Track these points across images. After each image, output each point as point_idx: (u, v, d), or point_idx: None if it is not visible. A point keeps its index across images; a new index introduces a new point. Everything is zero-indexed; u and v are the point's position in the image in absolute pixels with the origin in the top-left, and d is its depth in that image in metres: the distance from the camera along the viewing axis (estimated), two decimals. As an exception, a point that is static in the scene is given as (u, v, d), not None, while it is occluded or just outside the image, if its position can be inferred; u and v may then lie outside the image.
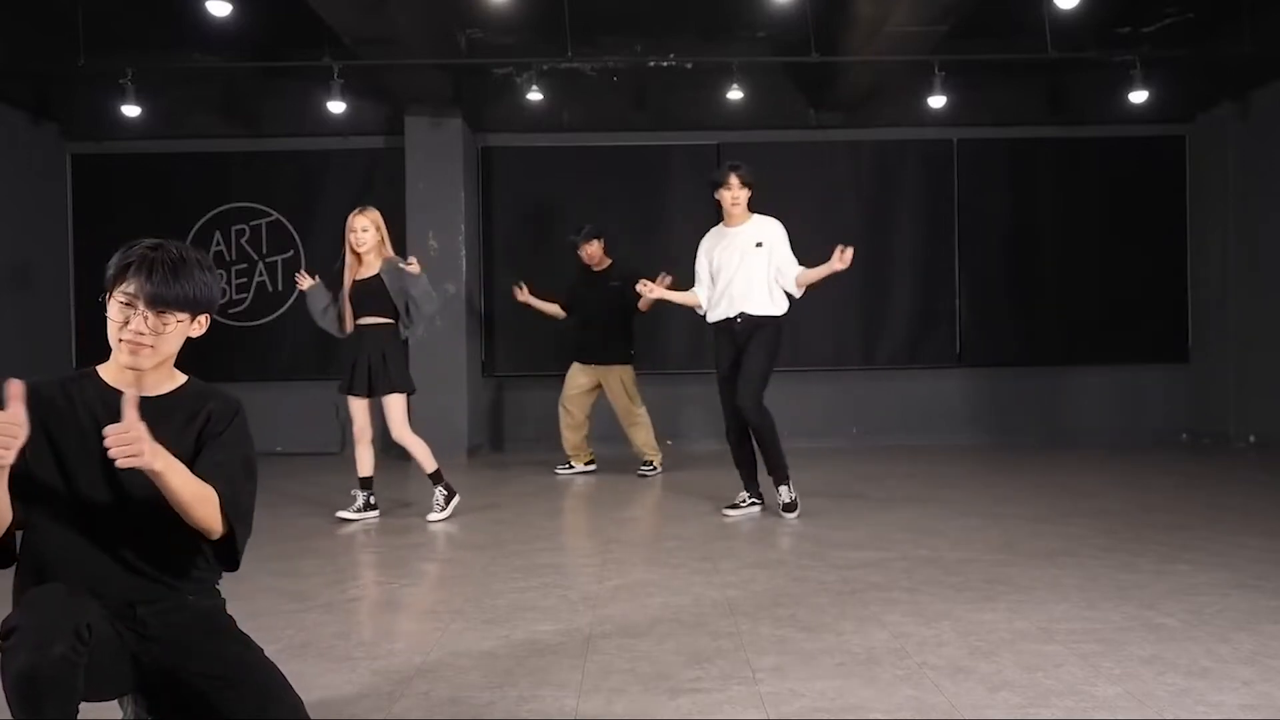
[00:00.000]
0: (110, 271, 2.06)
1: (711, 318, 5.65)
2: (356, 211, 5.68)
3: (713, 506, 5.89)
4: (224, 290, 9.13)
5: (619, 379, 7.39)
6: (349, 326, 5.64)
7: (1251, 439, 8.64)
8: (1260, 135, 8.53)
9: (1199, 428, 9.22)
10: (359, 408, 5.67)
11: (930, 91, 8.02)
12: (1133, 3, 8.26)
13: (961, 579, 4.04)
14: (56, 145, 9.05)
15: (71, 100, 8.92)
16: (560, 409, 7.55)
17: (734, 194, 5.59)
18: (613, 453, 8.00)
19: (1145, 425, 9.27)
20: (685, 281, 5.95)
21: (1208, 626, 3.32)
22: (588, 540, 5.21)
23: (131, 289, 2.03)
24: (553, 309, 7.69)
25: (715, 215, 9.07)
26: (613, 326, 7.38)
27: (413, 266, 5.55)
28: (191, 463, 2.10)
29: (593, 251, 7.41)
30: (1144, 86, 8.09)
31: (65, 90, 8.85)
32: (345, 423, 8.88)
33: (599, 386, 7.46)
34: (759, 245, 5.53)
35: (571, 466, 7.58)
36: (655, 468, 7.37)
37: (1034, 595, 3.76)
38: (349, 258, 5.65)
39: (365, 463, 5.72)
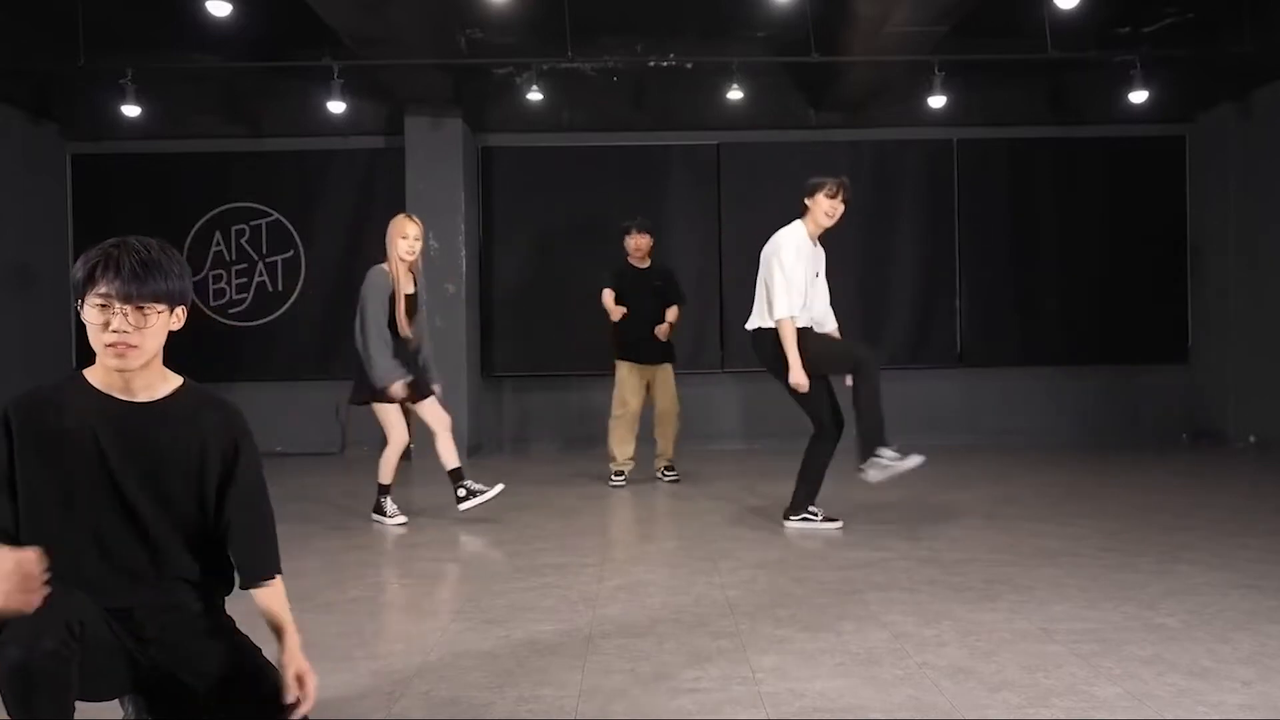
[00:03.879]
0: (78, 276, 2.01)
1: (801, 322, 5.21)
2: (406, 217, 5.42)
3: (714, 507, 5.89)
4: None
5: (669, 376, 7.17)
6: (405, 332, 5.42)
7: (1251, 439, 8.63)
8: (1260, 136, 8.52)
9: (1199, 428, 9.22)
10: (397, 413, 5.53)
11: (930, 91, 8.02)
12: (1133, 3, 8.26)
13: (961, 579, 4.04)
14: (56, 145, 9.05)
15: (71, 100, 8.92)
16: (617, 416, 7.06)
17: (837, 206, 5.18)
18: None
19: (1145, 425, 9.27)
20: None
21: (1208, 626, 3.32)
22: (588, 540, 5.21)
23: (104, 289, 1.99)
24: (611, 301, 7.11)
25: (714, 215, 9.20)
26: (659, 325, 7.09)
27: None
28: (199, 473, 2.13)
29: (641, 244, 7.12)
30: (1144, 86, 8.08)
31: (65, 90, 8.85)
32: (345, 423, 8.89)
33: (648, 387, 7.17)
34: (817, 275, 5.32)
35: (625, 477, 7.11)
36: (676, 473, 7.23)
37: (1034, 595, 3.76)
38: (400, 266, 5.35)
39: (393, 469, 5.60)
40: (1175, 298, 9.34)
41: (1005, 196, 9.28)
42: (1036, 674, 2.89)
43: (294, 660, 2.10)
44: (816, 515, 5.24)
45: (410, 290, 5.45)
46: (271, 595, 2.21)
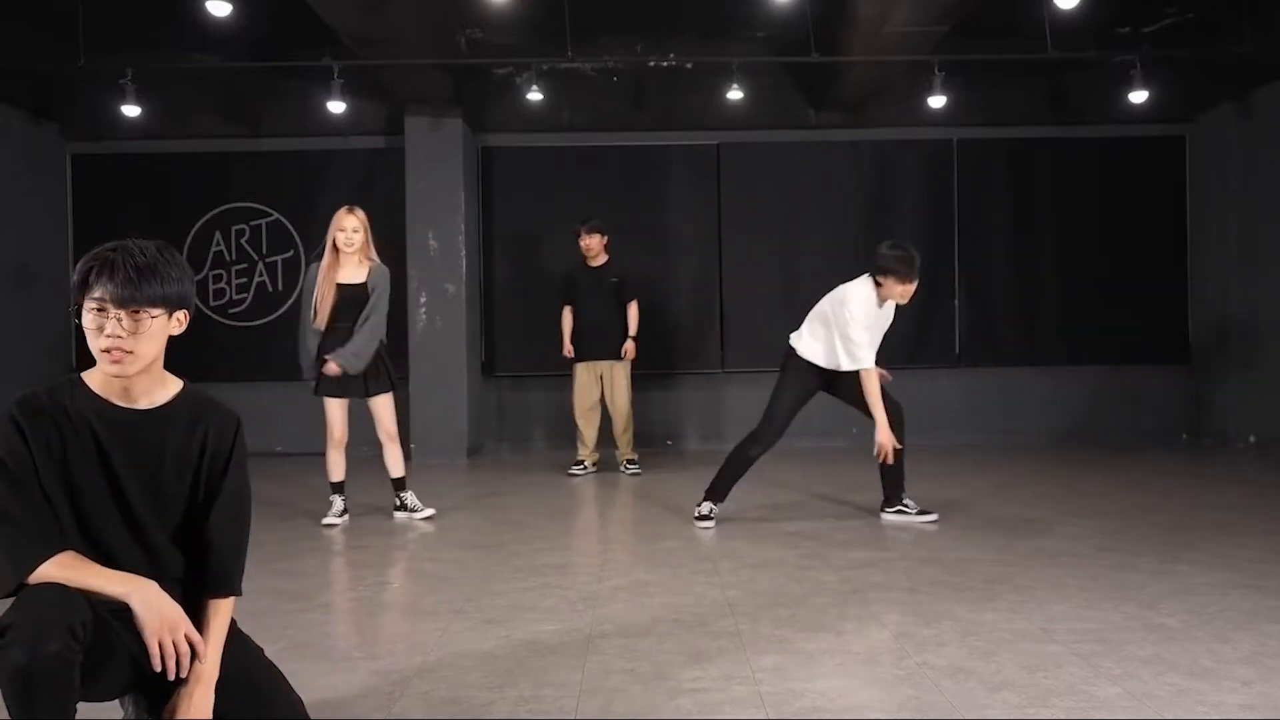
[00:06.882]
0: (75, 281, 2.01)
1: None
2: (345, 210, 5.53)
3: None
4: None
5: (623, 374, 7.46)
6: (321, 325, 5.46)
7: (1251, 439, 8.63)
8: (1260, 135, 8.52)
9: (1199, 428, 9.22)
10: (341, 410, 5.58)
11: (930, 91, 8.01)
12: (1133, 3, 8.26)
13: (961, 579, 4.04)
14: (56, 145, 9.05)
15: (71, 100, 8.91)
16: (578, 413, 7.58)
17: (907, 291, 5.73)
18: (611, 454, 8.01)
19: (1145, 425, 9.27)
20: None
21: (1208, 626, 3.32)
22: (588, 540, 5.21)
23: (99, 294, 1.97)
24: (568, 325, 7.58)
25: (714, 215, 9.20)
26: (612, 321, 7.45)
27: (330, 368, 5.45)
28: (195, 476, 2.13)
29: (591, 244, 7.46)
30: (1144, 86, 8.08)
31: (65, 90, 8.85)
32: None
33: (600, 383, 7.53)
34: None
35: (585, 466, 7.57)
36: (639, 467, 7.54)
37: (1034, 595, 3.76)
38: (328, 255, 5.48)
39: (341, 467, 5.68)
40: (1175, 297, 9.34)
41: (1005, 196, 9.28)
42: (1036, 674, 2.89)
43: (197, 693, 2.01)
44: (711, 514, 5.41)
45: (353, 280, 5.48)
46: (215, 609, 2.11)
